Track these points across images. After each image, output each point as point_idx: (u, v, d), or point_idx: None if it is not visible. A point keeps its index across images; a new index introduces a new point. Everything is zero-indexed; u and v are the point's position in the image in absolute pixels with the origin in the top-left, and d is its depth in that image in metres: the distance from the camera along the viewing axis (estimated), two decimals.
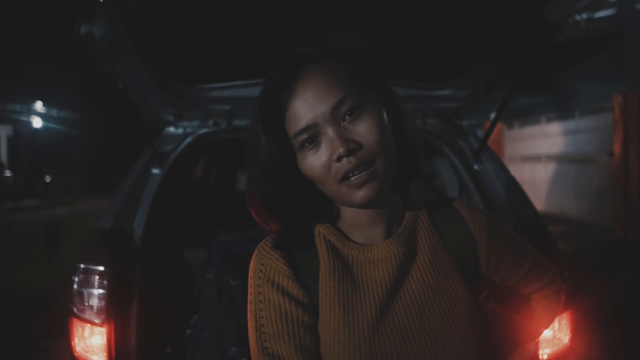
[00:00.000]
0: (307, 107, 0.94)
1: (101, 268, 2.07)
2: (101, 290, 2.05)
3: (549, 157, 13.59)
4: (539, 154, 14.14)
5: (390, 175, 0.97)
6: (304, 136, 0.95)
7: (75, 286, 2.07)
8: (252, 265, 1.04)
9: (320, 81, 0.95)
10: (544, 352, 2.01)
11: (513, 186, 2.43)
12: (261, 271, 1.02)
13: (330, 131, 0.93)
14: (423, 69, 2.61)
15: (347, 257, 1.03)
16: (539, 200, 13.25)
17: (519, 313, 1.22)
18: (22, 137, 26.32)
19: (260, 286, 1.01)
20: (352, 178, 0.93)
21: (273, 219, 1.04)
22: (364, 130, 0.94)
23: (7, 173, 22.10)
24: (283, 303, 0.99)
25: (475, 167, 2.53)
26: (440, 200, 1.15)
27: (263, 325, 0.99)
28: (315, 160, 0.95)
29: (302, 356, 0.96)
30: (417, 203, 1.09)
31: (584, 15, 1.79)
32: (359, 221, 1.04)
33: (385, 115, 0.99)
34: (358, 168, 0.93)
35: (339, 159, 0.92)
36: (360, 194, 0.94)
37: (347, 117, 0.94)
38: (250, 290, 1.04)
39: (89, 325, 2.05)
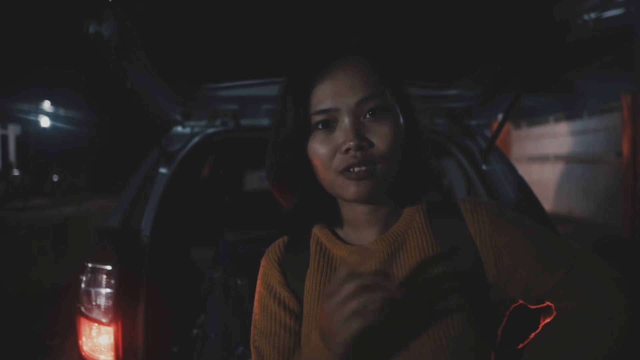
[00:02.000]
0: (335, 91, 0.95)
1: (109, 267, 2.07)
2: (109, 290, 2.05)
3: (557, 158, 13.53)
4: (547, 154, 14.08)
5: (387, 180, 0.98)
6: (321, 117, 0.96)
7: (82, 285, 2.07)
8: (261, 264, 1.14)
9: (356, 72, 0.96)
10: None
11: (522, 187, 2.41)
12: (262, 273, 1.13)
13: (347, 121, 0.95)
14: (431, 69, 2.60)
15: (334, 258, 1.06)
16: (547, 200, 13.19)
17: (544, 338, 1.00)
18: (30, 137, 26.46)
19: (260, 285, 1.12)
20: (352, 170, 0.94)
21: (289, 190, 1.06)
22: (380, 132, 0.95)
23: (15, 172, 22.24)
24: (272, 305, 1.08)
25: (484, 167, 2.51)
26: (446, 203, 1.08)
27: (256, 321, 1.09)
28: (323, 144, 0.96)
29: (277, 356, 1.04)
30: (415, 206, 1.06)
31: (592, 15, 1.78)
32: (354, 221, 1.05)
33: (402, 126, 1.00)
34: (360, 165, 0.94)
35: (347, 150, 0.94)
36: (353, 189, 0.95)
37: (368, 115, 0.95)
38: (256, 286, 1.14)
39: (96, 324, 2.05)
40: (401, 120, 0.99)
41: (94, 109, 24.22)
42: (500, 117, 2.73)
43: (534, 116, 14.98)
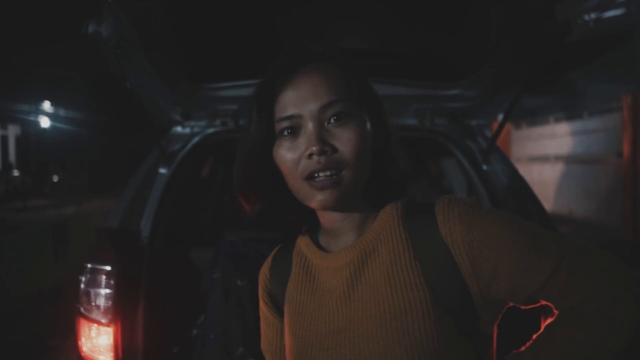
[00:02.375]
0: (298, 98, 0.95)
1: (108, 268, 2.06)
2: (108, 290, 2.05)
3: (557, 158, 13.53)
4: (547, 155, 14.08)
5: (354, 187, 0.96)
6: (285, 124, 0.96)
7: (82, 286, 2.07)
8: None
9: (318, 79, 0.96)
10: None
11: (522, 187, 2.41)
12: (260, 275, 1.19)
13: (310, 126, 0.94)
14: (431, 69, 2.60)
15: (312, 266, 1.06)
16: (547, 201, 13.19)
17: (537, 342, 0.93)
18: (30, 137, 26.45)
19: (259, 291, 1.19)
20: (317, 179, 0.94)
21: (254, 197, 1.05)
22: (343, 137, 0.94)
23: (15, 173, 22.22)
24: (264, 309, 1.17)
25: (484, 167, 2.51)
26: (425, 204, 1.01)
27: (261, 323, 1.19)
28: (288, 151, 0.96)
29: (271, 358, 1.16)
30: (391, 209, 1.02)
31: (593, 15, 1.77)
32: (330, 228, 1.04)
33: (369, 130, 0.99)
34: (324, 170, 0.93)
35: (310, 156, 0.93)
36: (319, 197, 0.95)
37: (332, 120, 0.95)
38: None
39: (95, 325, 2.05)
40: (368, 125, 0.99)
41: (94, 110, 24.21)
42: (500, 117, 2.73)
43: (534, 116, 14.97)
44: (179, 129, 2.84)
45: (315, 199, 0.95)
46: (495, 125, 2.73)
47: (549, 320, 0.93)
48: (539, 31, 1.97)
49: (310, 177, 0.94)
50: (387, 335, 0.90)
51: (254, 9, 2.21)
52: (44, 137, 26.91)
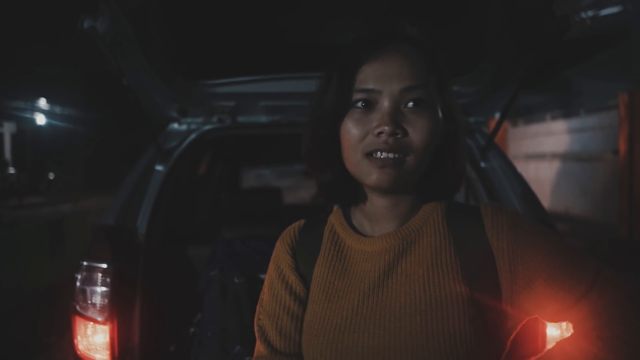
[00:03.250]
0: (382, 73, 0.94)
1: (104, 265, 2.05)
2: (104, 288, 2.03)
3: (554, 155, 13.56)
4: (544, 152, 14.11)
5: (413, 174, 0.96)
6: (362, 95, 0.95)
7: (78, 284, 2.06)
8: (275, 246, 1.16)
9: (406, 60, 0.95)
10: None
11: (520, 184, 2.40)
12: (275, 255, 1.14)
13: (386, 105, 0.93)
14: None
15: (345, 247, 1.05)
16: (544, 198, 13.21)
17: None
18: (25, 135, 26.37)
19: (271, 267, 1.13)
20: (378, 155, 0.93)
21: (321, 166, 1.05)
22: (417, 123, 0.93)
23: (11, 170, 22.17)
24: (279, 288, 1.09)
25: (482, 164, 2.50)
26: (467, 205, 1.04)
27: (263, 300, 1.11)
28: (358, 123, 0.95)
29: (279, 338, 1.05)
30: (435, 204, 1.02)
31: (590, 13, 1.77)
32: (372, 213, 1.03)
33: (440, 123, 0.98)
34: (389, 152, 0.93)
35: (379, 134, 0.92)
36: (375, 176, 0.94)
37: (410, 104, 0.94)
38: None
39: (91, 323, 2.04)
40: (440, 117, 0.98)
41: (90, 107, 24.16)
42: (498, 114, 2.72)
43: (531, 114, 15.00)
44: (175, 125, 2.83)
45: (372, 177, 0.94)
46: (493, 123, 2.72)
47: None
48: (537, 28, 1.96)
49: (371, 154, 0.94)
50: (421, 326, 0.90)
51: (251, 4, 2.19)
52: (39, 134, 26.85)
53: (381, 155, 0.93)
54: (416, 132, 0.93)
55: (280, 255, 1.12)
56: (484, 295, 0.92)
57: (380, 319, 0.94)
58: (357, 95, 0.95)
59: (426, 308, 0.91)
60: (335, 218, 1.10)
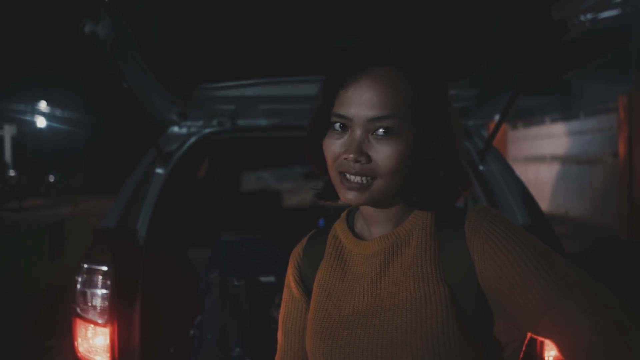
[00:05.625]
0: (355, 100, 0.96)
1: (104, 268, 2.06)
2: (104, 291, 2.04)
3: (553, 158, 13.57)
4: (543, 155, 14.11)
5: (384, 194, 0.98)
6: (338, 119, 0.98)
7: (78, 286, 2.06)
8: None
9: (381, 88, 0.96)
10: (550, 354, 2.00)
11: (519, 187, 2.41)
12: (293, 254, 1.21)
13: (355, 133, 0.96)
14: None
15: (346, 251, 1.10)
16: (543, 201, 13.21)
17: None
18: (26, 137, 26.41)
19: (286, 280, 1.22)
20: (347, 177, 0.97)
21: (318, 170, 1.10)
22: (382, 153, 0.95)
23: (11, 173, 22.18)
24: (292, 286, 1.18)
25: (481, 167, 2.51)
26: (459, 209, 1.03)
27: (281, 313, 1.22)
28: (334, 143, 0.99)
29: (282, 335, 1.19)
30: (424, 210, 1.04)
31: (589, 16, 1.78)
32: (366, 216, 1.07)
33: (418, 145, 0.98)
34: (356, 175, 0.96)
35: (346, 159, 0.96)
36: (345, 194, 0.98)
37: (379, 132, 0.95)
38: None
39: (92, 325, 2.04)
40: (418, 139, 0.98)
41: (91, 110, 24.19)
42: (497, 117, 2.73)
43: (531, 116, 15.01)
44: (175, 129, 2.84)
45: (343, 194, 0.99)
46: (492, 126, 2.73)
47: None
48: (535, 31, 1.97)
49: (343, 174, 0.97)
50: (406, 323, 0.94)
51: (251, 8, 2.20)
52: (40, 137, 26.89)
53: (349, 177, 0.96)
54: (381, 160, 0.95)
55: (294, 257, 1.21)
56: (465, 297, 0.94)
57: (372, 317, 0.98)
58: (334, 119, 0.98)
59: (411, 306, 0.95)
60: (338, 224, 1.14)
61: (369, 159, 0.95)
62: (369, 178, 0.96)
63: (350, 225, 1.13)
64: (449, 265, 0.97)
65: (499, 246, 0.92)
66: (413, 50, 1.00)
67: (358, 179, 0.95)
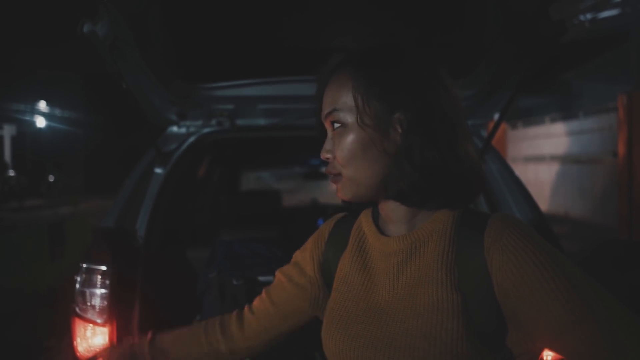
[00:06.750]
0: (323, 103, 1.08)
1: (104, 268, 2.06)
2: (103, 290, 2.04)
3: (553, 158, 13.57)
4: (543, 155, 14.12)
5: (357, 186, 1.03)
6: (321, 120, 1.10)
7: (77, 286, 2.06)
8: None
9: (334, 86, 1.05)
10: (548, 354, 2.00)
11: (518, 187, 2.41)
12: (318, 233, 1.27)
13: (329, 133, 1.08)
14: None
15: (368, 244, 1.12)
16: (543, 201, 13.22)
17: None
18: (25, 137, 26.39)
19: (307, 242, 1.29)
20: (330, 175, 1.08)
21: None
22: (337, 145, 1.03)
23: (11, 173, 22.16)
24: (302, 255, 1.26)
25: None
26: (482, 214, 1.01)
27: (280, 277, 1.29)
28: (325, 142, 1.09)
29: (266, 296, 1.28)
30: (447, 213, 1.02)
31: (588, 16, 1.78)
32: (382, 214, 1.11)
33: (378, 137, 0.99)
34: (330, 173, 1.06)
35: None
36: (336, 193, 1.07)
37: (336, 126, 1.04)
38: None
39: (91, 325, 2.04)
40: (379, 132, 0.99)
41: (90, 110, 24.20)
42: (496, 117, 2.73)
43: (530, 116, 15.02)
44: (174, 128, 2.84)
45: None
46: (491, 125, 2.74)
47: None
48: (534, 31, 1.97)
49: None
50: (416, 328, 0.94)
51: (250, 8, 2.20)
52: (39, 137, 26.87)
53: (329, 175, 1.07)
54: (337, 153, 1.03)
55: (315, 239, 1.26)
56: (478, 307, 0.92)
57: (385, 316, 1.00)
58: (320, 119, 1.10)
59: (423, 312, 0.95)
60: (364, 215, 1.17)
61: (333, 154, 1.04)
62: (337, 173, 1.04)
63: (375, 218, 1.14)
64: (464, 273, 0.95)
65: (519, 260, 0.90)
66: (373, 51, 1.03)
67: (332, 175, 1.05)
